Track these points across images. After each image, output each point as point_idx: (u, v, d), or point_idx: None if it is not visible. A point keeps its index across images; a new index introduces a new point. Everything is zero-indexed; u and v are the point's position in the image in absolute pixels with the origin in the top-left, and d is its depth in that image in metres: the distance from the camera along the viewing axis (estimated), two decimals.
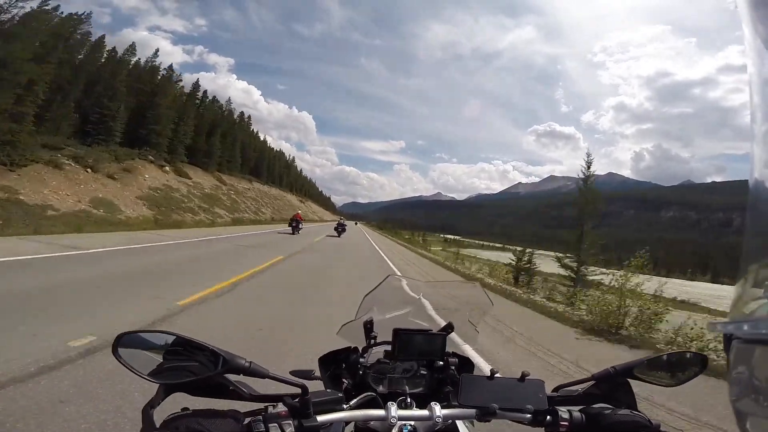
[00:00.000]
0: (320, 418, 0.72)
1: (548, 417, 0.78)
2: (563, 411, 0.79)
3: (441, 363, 1.02)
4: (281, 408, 0.71)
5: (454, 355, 1.06)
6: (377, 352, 1.09)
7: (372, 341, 1.12)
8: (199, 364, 0.67)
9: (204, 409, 0.66)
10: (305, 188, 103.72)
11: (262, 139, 68.73)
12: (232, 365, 0.67)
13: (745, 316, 0.45)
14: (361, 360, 1.03)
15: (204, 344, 0.68)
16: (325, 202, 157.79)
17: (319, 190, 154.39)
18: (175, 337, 0.68)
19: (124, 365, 0.65)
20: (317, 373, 1.01)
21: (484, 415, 0.76)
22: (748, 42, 0.48)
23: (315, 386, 0.87)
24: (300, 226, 24.73)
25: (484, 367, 3.78)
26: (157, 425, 0.63)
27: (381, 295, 1.24)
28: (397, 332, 0.97)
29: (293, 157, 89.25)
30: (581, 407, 0.81)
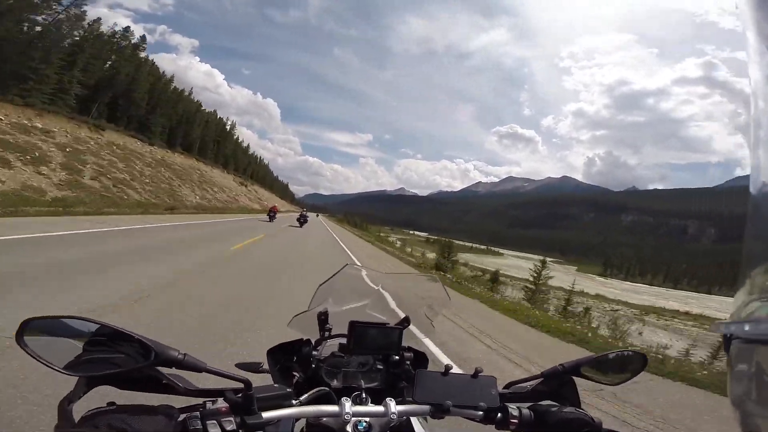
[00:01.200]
0: (266, 414, 0.68)
1: (499, 414, 0.79)
2: (513, 408, 0.81)
3: (397, 358, 1.00)
4: (221, 404, 0.66)
5: (410, 349, 1.04)
6: (331, 345, 1.05)
7: (326, 333, 1.09)
8: (125, 355, 0.60)
9: (132, 405, 0.59)
10: (252, 168, 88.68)
11: (193, 101, 54.91)
12: (162, 358, 0.61)
13: (745, 317, 0.45)
14: (314, 353, 0.99)
15: (130, 334, 0.60)
16: (282, 190, 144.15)
17: (275, 175, 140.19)
18: (97, 325, 0.60)
19: (31, 355, 0.56)
20: (266, 366, 0.97)
21: (438, 411, 0.77)
22: (752, 46, 0.47)
23: (263, 380, 0.85)
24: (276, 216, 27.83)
25: (442, 358, 4.12)
26: (77, 420, 0.56)
27: (337, 286, 1.18)
28: (353, 325, 0.94)
29: (232, 123, 72.42)
30: (530, 404, 0.83)
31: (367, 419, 0.76)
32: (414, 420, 0.89)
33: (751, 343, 0.44)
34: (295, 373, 0.95)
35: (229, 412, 0.65)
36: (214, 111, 65.67)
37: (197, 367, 0.63)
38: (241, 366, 0.92)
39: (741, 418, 0.44)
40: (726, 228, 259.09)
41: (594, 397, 3.53)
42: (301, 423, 0.86)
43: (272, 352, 1.00)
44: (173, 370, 0.64)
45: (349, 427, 0.74)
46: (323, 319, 1.10)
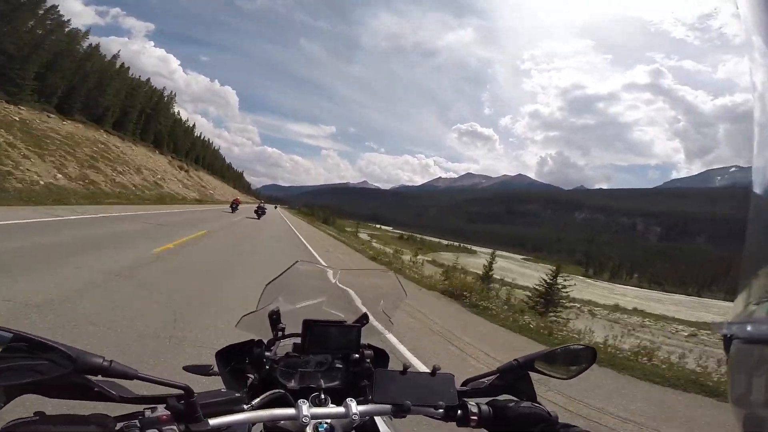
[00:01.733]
0: (213, 421, 0.65)
1: (459, 411, 0.80)
2: (472, 405, 0.81)
3: (357, 356, 0.98)
4: (162, 411, 0.62)
5: (370, 347, 1.03)
6: (286, 346, 1.01)
7: (279, 333, 1.04)
8: (44, 363, 0.55)
9: (60, 415, 0.56)
10: (199, 152, 76.46)
11: (114, 63, 43.51)
12: (84, 365, 0.55)
13: (745, 318, 0.45)
14: (266, 354, 0.95)
15: (47, 341, 0.56)
16: (236, 180, 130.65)
17: (227, 162, 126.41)
18: (11, 334, 0.56)
19: None
20: (216, 368, 0.93)
21: (399, 411, 0.76)
22: (757, 49, 0.47)
23: (214, 383, 0.82)
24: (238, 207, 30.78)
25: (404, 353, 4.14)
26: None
27: (289, 283, 1.14)
28: (307, 324, 0.92)
29: (171, 94, 59.81)
30: (488, 400, 0.84)
31: (328, 421, 0.74)
32: (378, 419, 0.87)
33: (751, 343, 0.44)
34: (249, 375, 0.90)
35: (171, 420, 0.61)
36: (147, 80, 53.45)
37: (126, 375, 0.59)
38: (190, 369, 0.87)
39: (741, 419, 0.44)
40: (670, 226, 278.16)
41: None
42: (259, 427, 0.81)
43: (221, 355, 0.95)
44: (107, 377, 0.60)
45: (309, 430, 0.72)
46: (275, 318, 1.05)
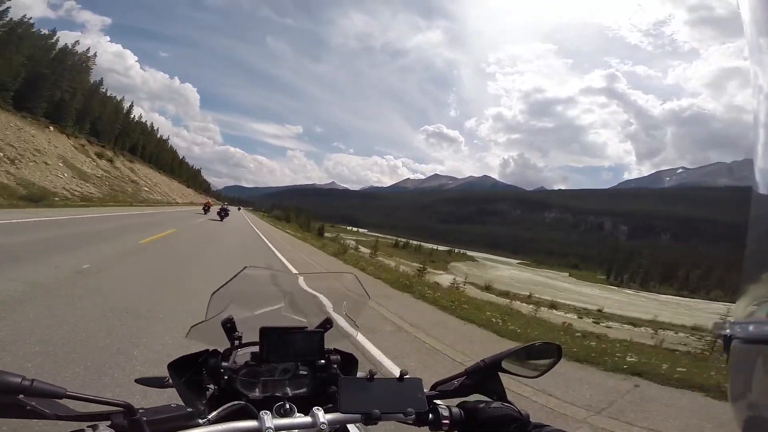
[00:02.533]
0: None
1: (430, 416, 0.79)
2: (443, 408, 0.81)
3: (322, 362, 0.96)
4: (105, 430, 0.59)
5: (336, 351, 1.00)
6: (244, 355, 0.97)
7: (236, 342, 0.99)
8: None
9: None
10: (135, 137, 60.61)
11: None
12: (2, 386, 0.52)
13: (746, 318, 0.45)
14: (224, 364, 0.90)
15: None
16: (192, 178, 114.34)
17: (181, 157, 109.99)
18: None
19: None
20: (171, 381, 0.86)
21: (369, 419, 0.74)
22: (763, 50, 0.46)
23: (170, 396, 0.78)
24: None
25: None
26: None
27: (241, 290, 1.08)
28: (264, 331, 0.90)
29: (88, 52, 46.33)
30: (459, 402, 0.85)
31: (295, 431, 0.70)
32: (351, 428, 0.85)
33: (751, 343, 0.44)
34: (209, 387, 0.86)
35: None
36: (66, 45, 39.45)
37: (54, 394, 0.55)
38: (142, 382, 0.83)
39: (741, 419, 0.44)
40: (636, 225, 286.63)
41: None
42: None
43: (175, 366, 0.87)
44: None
45: None
46: (229, 327, 0.99)
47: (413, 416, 0.77)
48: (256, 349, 0.93)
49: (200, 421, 0.67)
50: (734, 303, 0.49)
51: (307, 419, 0.70)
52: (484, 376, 0.86)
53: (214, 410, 0.73)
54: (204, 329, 0.99)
